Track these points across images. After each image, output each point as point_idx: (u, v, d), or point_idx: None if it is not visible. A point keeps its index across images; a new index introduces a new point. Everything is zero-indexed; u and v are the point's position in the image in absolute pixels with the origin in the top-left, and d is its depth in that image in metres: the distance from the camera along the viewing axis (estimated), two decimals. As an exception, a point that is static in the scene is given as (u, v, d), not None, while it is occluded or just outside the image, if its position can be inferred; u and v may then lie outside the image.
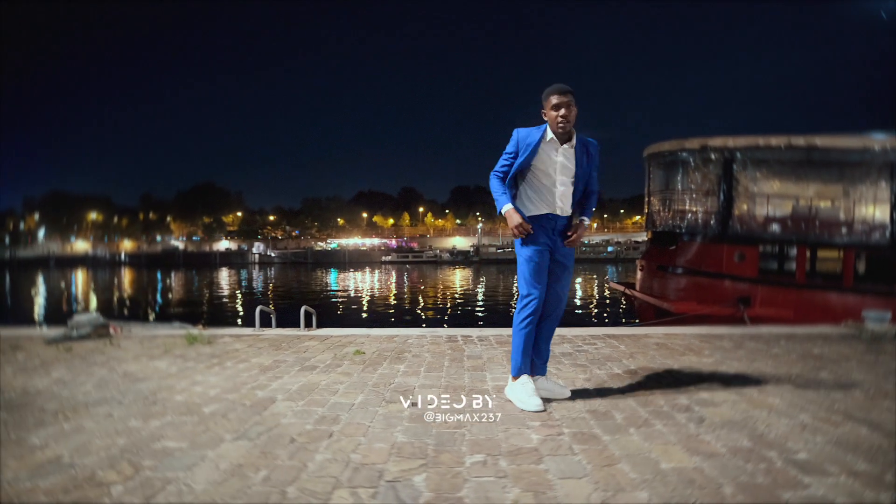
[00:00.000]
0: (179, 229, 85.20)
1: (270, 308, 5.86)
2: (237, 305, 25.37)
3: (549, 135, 2.65)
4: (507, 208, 2.64)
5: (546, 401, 2.67)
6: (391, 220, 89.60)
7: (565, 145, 2.66)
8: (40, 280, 45.04)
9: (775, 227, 10.71)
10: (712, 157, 10.88)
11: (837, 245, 10.19)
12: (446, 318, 19.32)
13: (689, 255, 11.06)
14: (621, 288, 13.66)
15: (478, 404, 2.68)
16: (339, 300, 25.90)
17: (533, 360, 2.78)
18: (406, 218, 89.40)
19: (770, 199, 10.81)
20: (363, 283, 35.59)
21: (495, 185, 2.70)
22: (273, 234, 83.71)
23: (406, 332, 4.96)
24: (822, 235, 10.33)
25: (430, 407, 2.65)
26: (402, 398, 2.82)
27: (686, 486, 1.73)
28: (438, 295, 27.78)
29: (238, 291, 32.24)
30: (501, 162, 2.71)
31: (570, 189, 2.71)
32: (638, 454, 2.01)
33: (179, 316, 19.68)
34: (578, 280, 33.91)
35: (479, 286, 32.50)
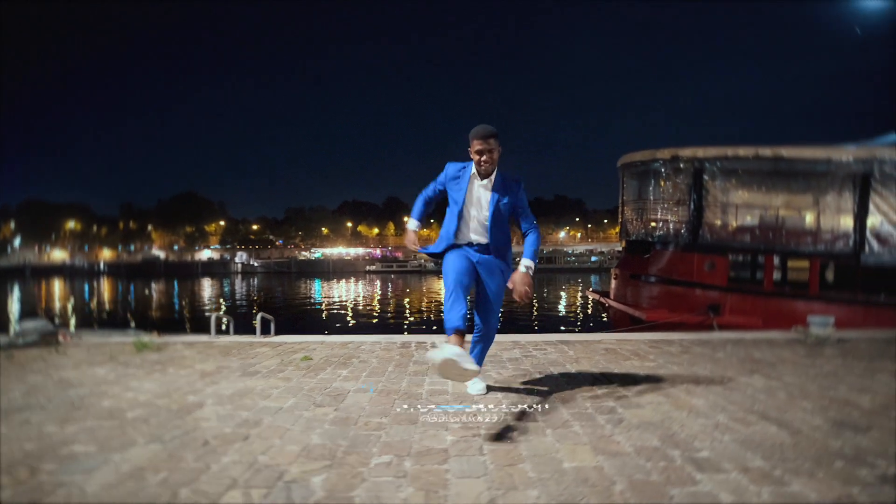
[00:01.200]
0: (161, 239, 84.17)
1: (223, 316, 5.79)
2: (209, 314, 25.05)
3: (472, 170, 2.82)
4: (411, 225, 3.03)
5: (473, 402, 2.72)
6: (376, 230, 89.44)
7: (484, 181, 2.81)
8: (15, 289, 44.10)
9: (744, 237, 10.85)
10: (682, 166, 11.02)
11: (804, 254, 10.35)
12: (425, 326, 19.25)
13: (662, 264, 11.16)
14: (597, 296, 13.74)
15: (406, 408, 2.66)
16: (320, 309, 25.70)
17: None
18: (391, 227, 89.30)
19: (739, 209, 10.96)
20: (346, 293, 35.37)
21: (416, 205, 3.04)
22: (256, 244, 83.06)
23: (361, 338, 4.93)
24: (789, 244, 10.49)
25: (357, 410, 2.63)
26: (334, 400, 2.80)
27: (579, 485, 1.73)
28: (422, 304, 27.69)
29: (220, 301, 31.85)
30: (430, 187, 2.99)
31: (486, 223, 2.81)
32: (545, 454, 2.00)
33: (146, 323, 19.40)
34: (563, 289, 34.02)
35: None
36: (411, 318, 21.79)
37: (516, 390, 2.96)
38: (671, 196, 11.27)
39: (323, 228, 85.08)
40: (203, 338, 5.18)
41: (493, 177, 2.79)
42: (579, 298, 28.31)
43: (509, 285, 2.72)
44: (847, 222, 10.03)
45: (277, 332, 5.50)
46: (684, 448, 2.03)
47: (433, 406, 2.70)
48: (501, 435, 2.23)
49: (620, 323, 11.79)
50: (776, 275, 10.62)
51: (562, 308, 23.85)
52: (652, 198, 11.74)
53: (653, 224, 11.59)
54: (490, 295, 2.83)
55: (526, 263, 2.73)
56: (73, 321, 22.01)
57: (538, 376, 3.30)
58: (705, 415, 2.43)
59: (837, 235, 10.12)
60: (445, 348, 2.33)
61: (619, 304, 11.75)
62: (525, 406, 2.64)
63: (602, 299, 13.18)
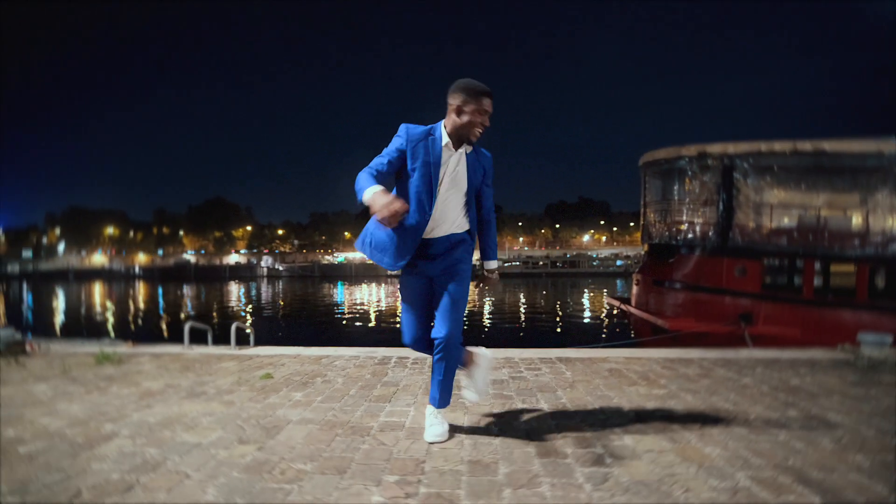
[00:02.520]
0: (191, 243, 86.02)
1: (201, 325, 5.38)
2: (188, 322, 25.07)
3: (444, 138, 2.14)
4: (372, 189, 1.93)
5: (426, 446, 2.20)
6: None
7: (459, 150, 2.17)
8: (60, 292, 45.45)
9: (780, 239, 9.97)
10: (711, 164, 10.23)
11: (850, 258, 9.41)
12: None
13: (687, 269, 10.38)
14: (617, 303, 12.97)
15: (342, 450, 2.14)
16: (342, 312, 25.44)
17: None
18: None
19: (774, 209, 10.11)
20: (368, 296, 35.10)
21: (362, 179, 2.00)
22: (281, 248, 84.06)
23: (339, 352, 4.46)
24: (833, 247, 9.57)
25: (284, 450, 2.14)
26: (265, 434, 2.32)
27: None
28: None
29: (247, 306, 31.99)
30: (379, 160, 2.11)
31: (464, 203, 2.22)
32: (489, 534, 1.45)
33: (124, 333, 19.47)
34: (585, 295, 32.95)
35: (485, 299, 31.80)
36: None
37: (484, 428, 2.40)
38: (698, 196, 10.49)
39: (346, 233, 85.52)
40: (175, 349, 4.80)
41: (464, 147, 2.17)
42: (603, 305, 27.30)
43: (484, 288, 2.33)
44: (902, 223, 9.09)
45: (271, 342, 5.06)
46: (685, 532, 1.45)
47: (376, 446, 2.17)
48: (444, 495, 1.69)
49: (642, 332, 11.03)
50: (817, 281, 9.69)
51: (581, 316, 22.94)
52: (676, 198, 10.97)
53: (677, 226, 10.82)
54: (451, 298, 2.17)
55: (492, 267, 2.35)
56: (53, 328, 22.27)
57: (520, 407, 2.74)
58: (720, 472, 1.83)
59: (890, 237, 9.17)
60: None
61: (641, 312, 10.99)
62: (488, 451, 2.08)
63: (623, 306, 12.41)
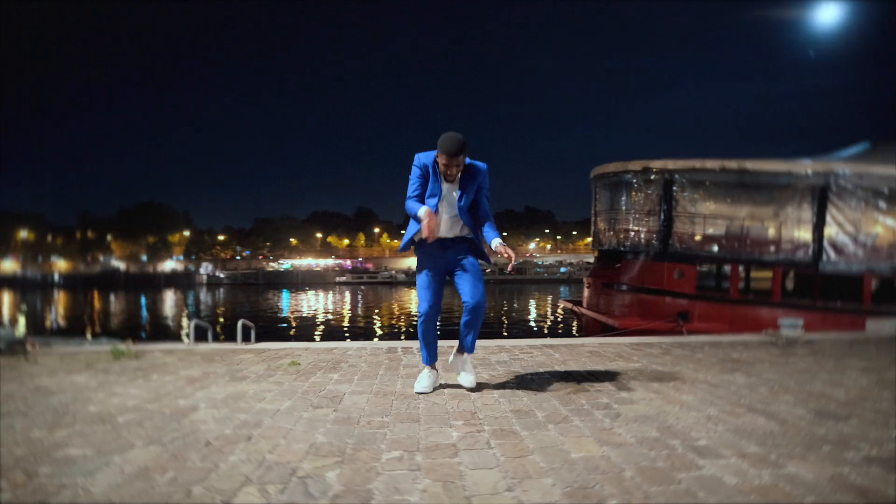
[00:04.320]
0: (121, 249, 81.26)
1: (202, 323, 5.67)
2: (177, 324, 24.35)
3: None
4: (422, 209, 2.81)
5: (469, 390, 2.98)
6: (346, 241, 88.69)
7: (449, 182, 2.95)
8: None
9: (711, 246, 11.24)
10: (653, 178, 11.36)
11: (767, 263, 10.79)
12: (399, 333, 19.16)
13: (633, 273, 11.44)
14: (570, 305, 13.96)
15: (405, 408, 2.68)
16: (289, 319, 25.27)
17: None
18: (361, 239, 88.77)
19: (706, 220, 11.36)
20: (316, 304, 34.90)
21: (410, 205, 2.92)
22: (224, 255, 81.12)
23: (346, 344, 4.92)
24: (754, 254, 10.92)
25: (357, 411, 2.64)
26: (331, 402, 2.80)
27: (590, 472, 1.79)
28: (392, 314, 27.56)
29: (184, 313, 30.95)
30: (412, 187, 2.95)
31: (456, 215, 2.95)
32: (551, 446, 2.06)
33: (109, 333, 18.72)
34: (532, 300, 34.39)
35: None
36: (386, 328, 21.66)
37: (511, 389, 3.02)
38: (642, 207, 11.61)
39: (292, 239, 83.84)
40: (180, 346, 5.07)
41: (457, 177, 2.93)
42: (549, 309, 28.68)
43: (496, 253, 3.01)
44: (807, 233, 10.53)
45: (258, 340, 5.43)
46: (683, 438, 2.12)
47: (431, 405, 2.73)
48: (505, 430, 2.28)
49: (592, 331, 12.02)
50: (742, 283, 11.02)
51: (533, 318, 24.11)
52: (624, 208, 12.07)
53: (624, 234, 11.90)
54: (468, 269, 2.94)
55: (496, 242, 2.97)
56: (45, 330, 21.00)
57: (529, 377, 3.37)
58: (696, 409, 2.54)
59: (798, 245, 10.61)
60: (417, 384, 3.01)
61: (592, 313, 11.98)
62: (522, 404, 2.70)
63: (574, 308, 13.41)
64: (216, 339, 5.97)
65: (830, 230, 10.24)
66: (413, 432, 2.30)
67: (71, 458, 2.06)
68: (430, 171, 2.90)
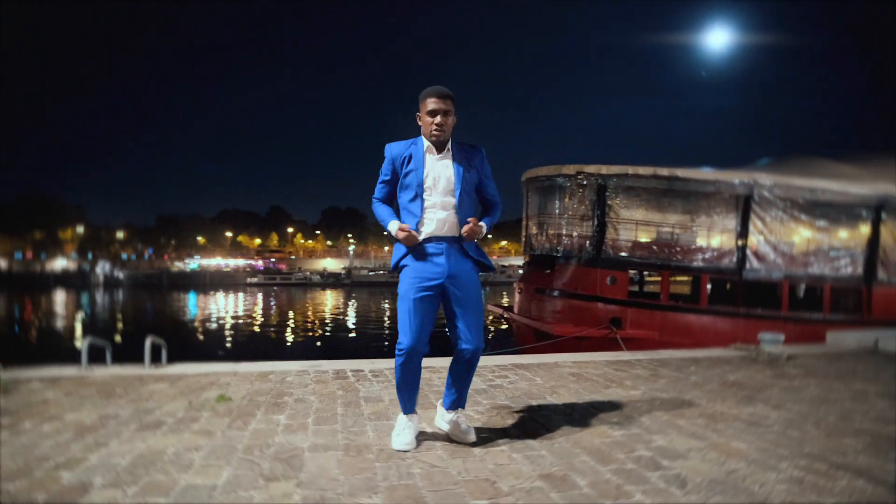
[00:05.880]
0: (1, 245, 71.07)
1: (98, 340, 4.46)
2: (67, 337, 21.33)
3: (425, 144, 2.31)
4: (392, 226, 2.29)
5: (471, 445, 2.29)
6: (258, 241, 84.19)
7: (440, 154, 2.31)
8: None
9: (643, 252, 11.33)
10: (587, 182, 11.27)
11: (694, 270, 11.04)
12: (319, 344, 17.96)
13: (566, 279, 11.27)
14: (499, 310, 13.61)
15: (395, 476, 1.95)
16: (199, 328, 23.04)
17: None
18: (274, 238, 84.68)
19: (638, 226, 11.44)
20: (226, 308, 32.34)
21: (379, 211, 2.40)
22: (124, 253, 73.68)
23: (284, 366, 4.03)
24: (682, 260, 11.13)
25: (330, 484, 1.87)
26: (289, 466, 2.01)
27: None
28: (309, 319, 26.04)
29: (75, 320, 27.30)
30: (379, 186, 2.41)
31: (453, 204, 2.28)
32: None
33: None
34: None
35: (351, 310, 31.23)
36: (308, 335, 20.29)
37: (518, 438, 2.37)
38: (575, 211, 11.48)
39: (199, 238, 77.92)
40: (71, 370, 3.87)
41: (449, 148, 2.31)
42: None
43: (463, 232, 2.24)
44: (731, 241, 10.89)
45: (170, 361, 4.33)
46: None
47: (429, 469, 2.02)
48: (548, 515, 1.63)
49: (524, 337, 11.73)
50: (671, 289, 11.20)
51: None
52: (556, 212, 11.89)
53: (557, 238, 11.72)
54: (468, 297, 2.27)
55: (483, 221, 2.30)
56: None
57: (527, 414, 2.75)
58: (766, 465, 2.04)
59: (723, 253, 10.95)
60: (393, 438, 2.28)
61: (524, 319, 11.67)
62: (548, 464, 2.05)
63: (505, 314, 13.06)
64: (117, 360, 4.74)
65: (753, 238, 10.64)
66: (418, 525, 1.59)
67: None
68: (407, 161, 2.29)
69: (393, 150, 2.33)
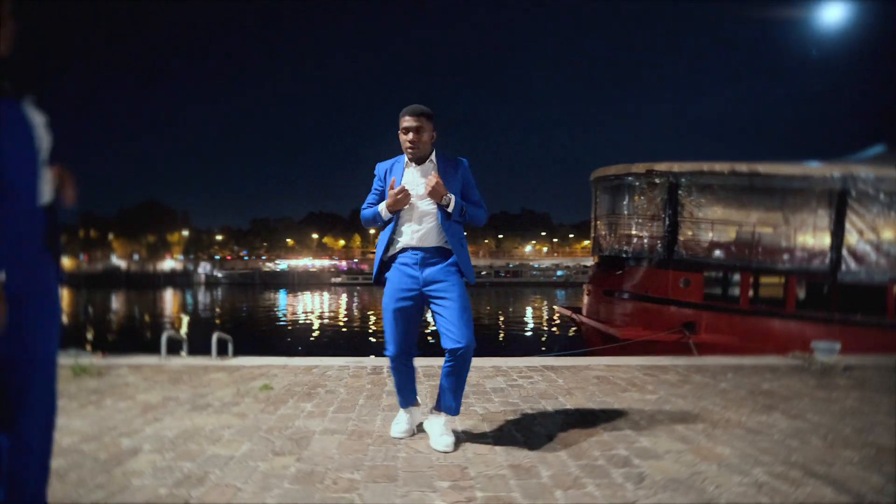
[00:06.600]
0: (122, 248, 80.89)
1: (177, 334, 5.19)
2: (173, 326, 23.87)
3: (405, 159, 2.47)
4: (381, 205, 2.44)
5: (461, 449, 2.35)
6: (342, 242, 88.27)
7: (421, 167, 2.44)
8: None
9: (719, 253, 10.76)
10: (657, 181, 10.89)
11: (779, 271, 10.31)
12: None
13: (636, 281, 10.96)
14: (568, 313, 13.45)
15: (381, 458, 2.22)
16: (284, 323, 24.79)
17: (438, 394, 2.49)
18: (357, 239, 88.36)
19: (714, 225, 10.88)
20: (311, 306, 34.39)
21: (365, 213, 2.55)
22: (221, 255, 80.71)
23: (328, 361, 4.46)
24: (765, 262, 10.43)
25: (324, 461, 2.18)
26: (297, 445, 2.35)
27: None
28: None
29: (180, 314, 30.46)
30: (368, 198, 2.56)
31: (433, 212, 2.40)
32: (561, 530, 1.59)
33: (97, 339, 18.31)
34: (529, 307, 33.85)
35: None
36: (380, 334, 21.17)
37: (509, 432, 2.56)
38: (645, 211, 11.11)
39: (288, 240, 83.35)
40: (152, 359, 4.60)
41: (432, 159, 2.45)
42: (545, 313, 28.15)
43: (426, 189, 2.33)
44: (822, 239, 10.04)
45: (237, 353, 4.96)
46: (732, 520, 1.66)
47: (413, 454, 2.27)
48: (502, 499, 1.82)
49: (592, 340, 11.53)
50: (751, 292, 10.54)
51: (530, 325, 23.60)
52: (626, 213, 11.57)
53: (626, 239, 11.42)
54: (453, 298, 2.33)
55: (455, 197, 2.39)
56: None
57: (531, 413, 2.91)
58: (738, 469, 2.07)
59: (813, 253, 10.12)
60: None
61: (592, 321, 11.48)
62: (523, 456, 2.23)
63: (574, 315, 12.89)
64: (194, 352, 5.46)
65: (850, 238, 9.75)
66: (388, 497, 1.85)
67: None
68: (388, 175, 2.49)
69: (379, 168, 2.54)
